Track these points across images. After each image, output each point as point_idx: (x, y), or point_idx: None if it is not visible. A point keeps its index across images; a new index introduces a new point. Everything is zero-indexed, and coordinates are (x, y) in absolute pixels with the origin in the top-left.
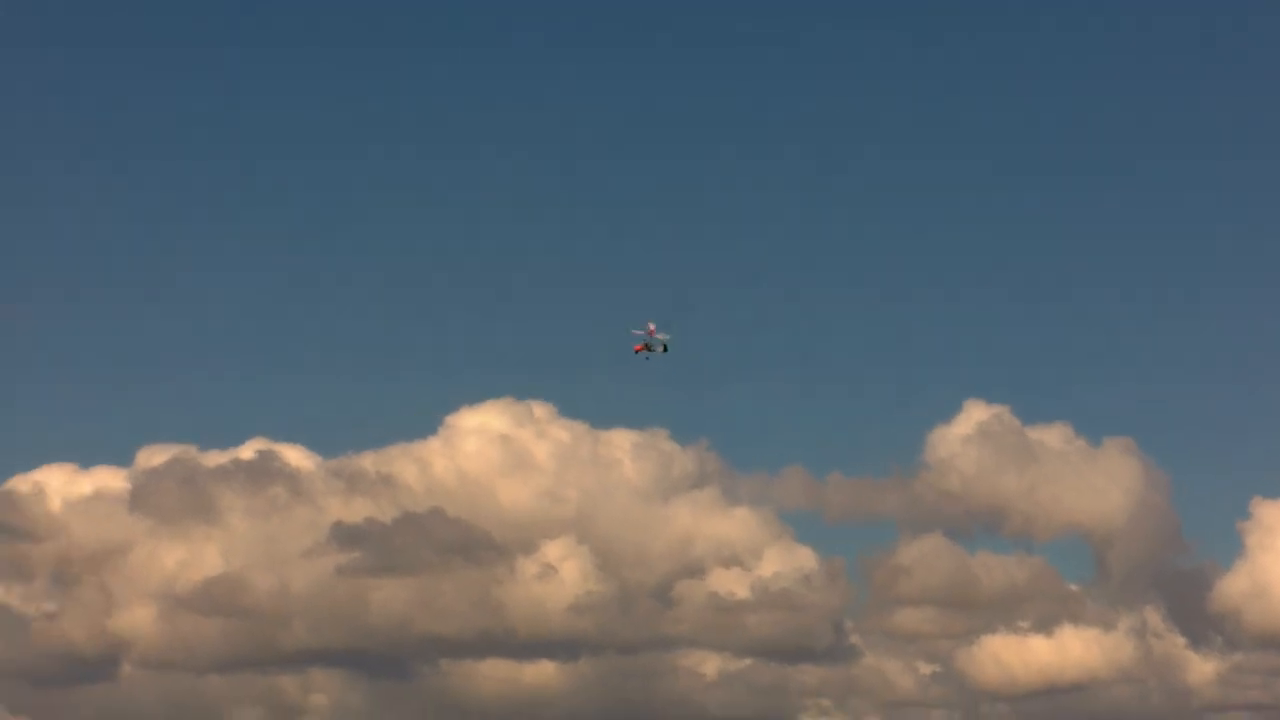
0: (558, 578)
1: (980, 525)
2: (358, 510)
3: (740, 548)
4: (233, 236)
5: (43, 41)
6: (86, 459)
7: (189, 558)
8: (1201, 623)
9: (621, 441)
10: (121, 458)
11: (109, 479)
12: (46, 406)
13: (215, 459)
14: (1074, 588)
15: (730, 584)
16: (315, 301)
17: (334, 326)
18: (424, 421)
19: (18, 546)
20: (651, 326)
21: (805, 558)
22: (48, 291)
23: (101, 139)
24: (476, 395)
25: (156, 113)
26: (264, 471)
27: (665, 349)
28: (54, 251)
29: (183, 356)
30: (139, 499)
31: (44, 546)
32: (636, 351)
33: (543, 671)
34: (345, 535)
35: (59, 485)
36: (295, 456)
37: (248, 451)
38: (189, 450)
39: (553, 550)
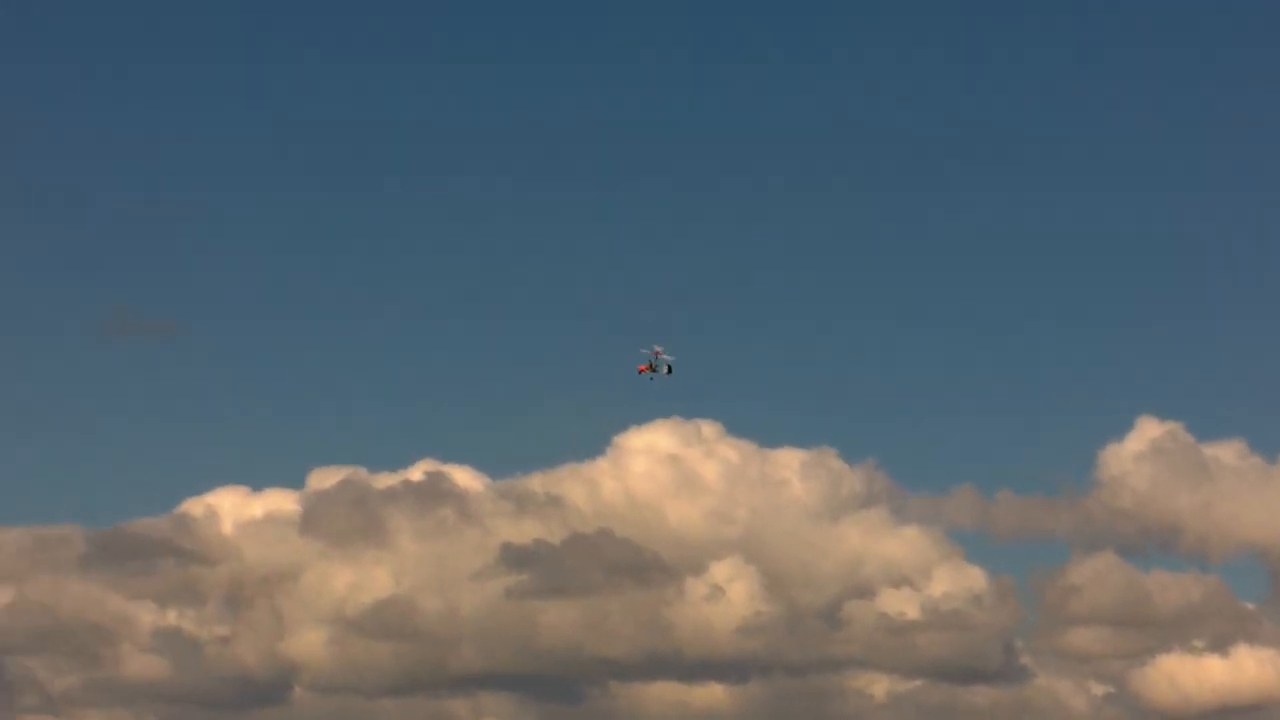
0: (726, 599)
1: (1153, 543)
2: (526, 532)
3: (909, 568)
4: (400, 258)
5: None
6: (258, 482)
7: (359, 580)
8: None
9: (790, 461)
10: (293, 480)
11: (280, 501)
12: (219, 430)
13: (385, 480)
14: (1250, 606)
15: (899, 604)
16: (484, 322)
17: (502, 347)
18: (592, 442)
19: (191, 570)
20: (658, 349)
21: (975, 577)
22: (218, 316)
23: (264, 161)
24: (644, 415)
25: (314, 135)
26: (433, 493)
27: (669, 370)
28: (222, 276)
29: (353, 379)
30: (310, 521)
31: (216, 570)
32: (641, 372)
33: (711, 694)
34: (514, 557)
35: (231, 508)
36: (464, 478)
37: (417, 473)
38: (359, 472)
39: (721, 571)
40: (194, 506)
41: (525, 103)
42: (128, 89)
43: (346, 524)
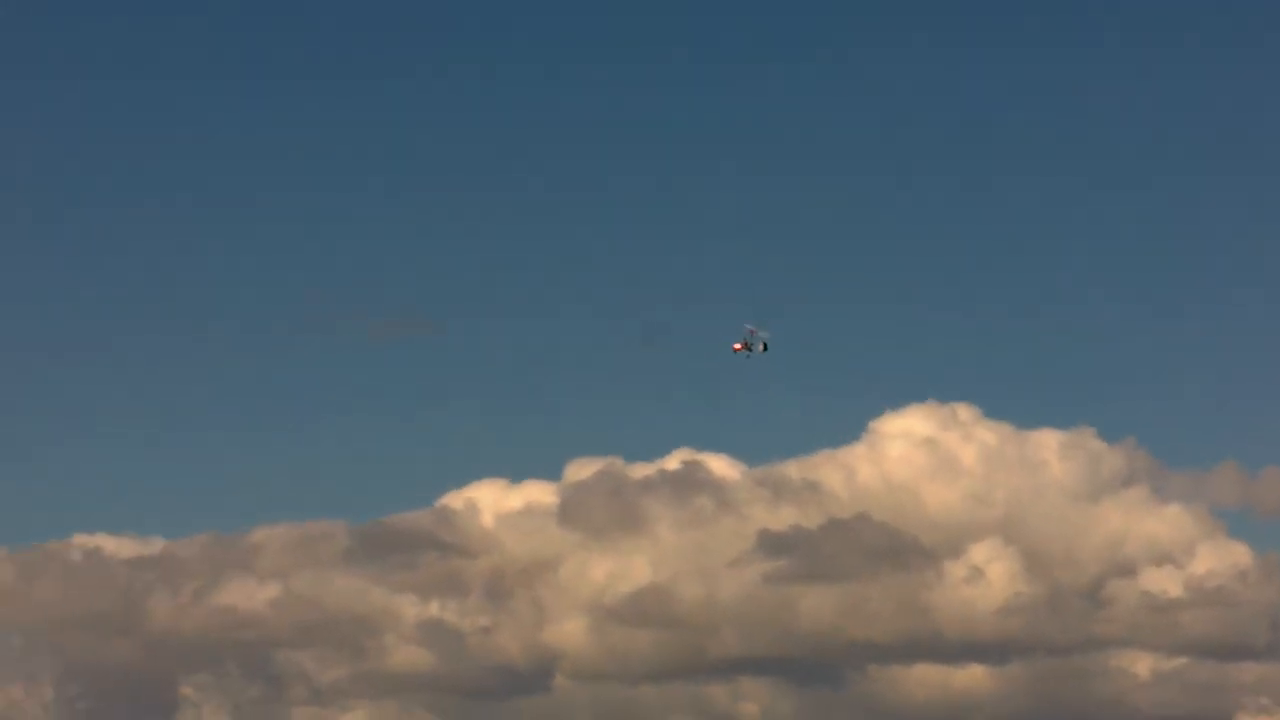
0: (986, 580)
1: None
2: (784, 518)
3: (1172, 545)
4: (642, 250)
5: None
6: (517, 474)
7: (618, 569)
8: None
9: (1048, 441)
10: (550, 472)
11: (539, 493)
12: (477, 424)
13: (641, 470)
14: None
15: (1162, 582)
16: (736, 307)
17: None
18: (848, 427)
19: (452, 562)
20: (751, 328)
21: (1239, 554)
22: (473, 313)
23: (505, 158)
24: (900, 399)
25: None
26: (690, 482)
27: (765, 347)
28: (476, 273)
29: (606, 370)
30: (568, 512)
31: (477, 562)
32: (736, 350)
33: (972, 675)
34: (772, 543)
35: (490, 501)
36: (720, 466)
37: (673, 462)
38: (616, 463)
39: (980, 553)
40: (454, 500)
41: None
42: (371, 98)
43: (604, 514)
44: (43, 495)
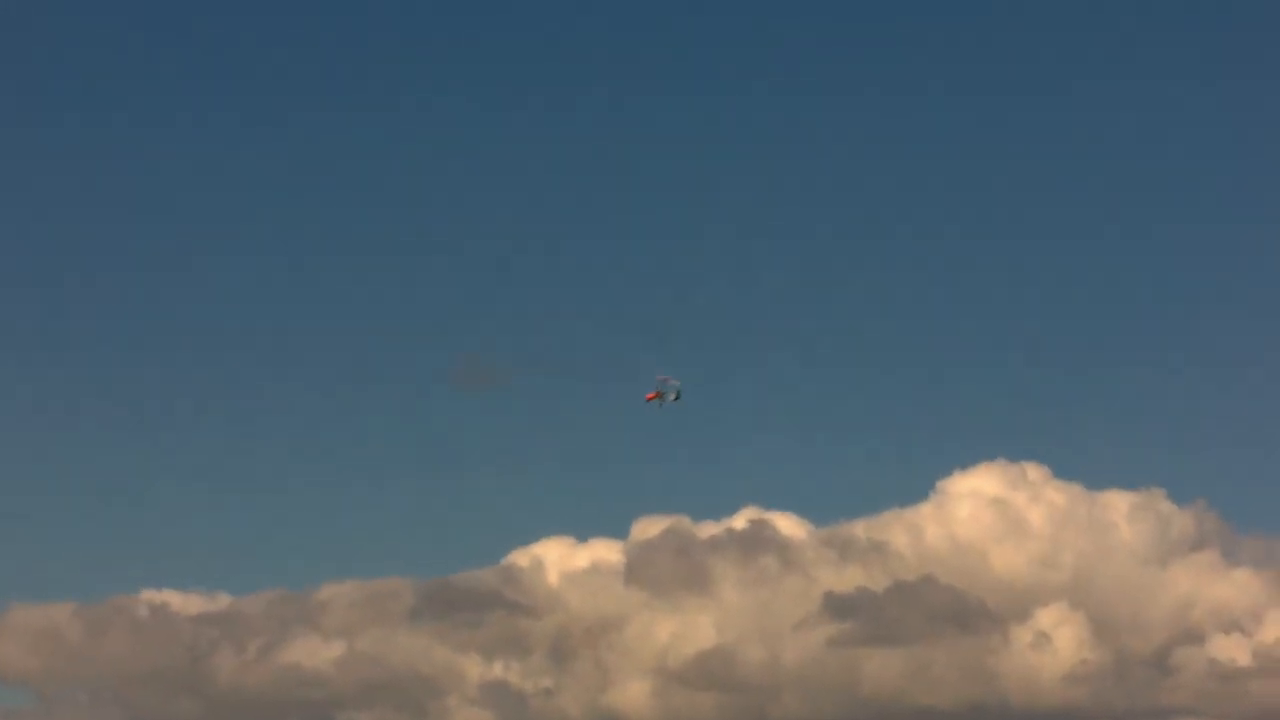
0: (1052, 646)
1: None
2: (849, 579)
3: (1241, 612)
4: (712, 309)
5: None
6: (583, 532)
7: (682, 630)
8: None
9: (1118, 503)
10: (617, 530)
11: (605, 551)
12: (545, 481)
13: (708, 529)
14: None
15: (1231, 650)
16: (806, 369)
17: (823, 393)
18: (916, 487)
19: (518, 621)
20: (664, 377)
21: None
22: (540, 370)
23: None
24: (969, 459)
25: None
26: (756, 541)
27: (678, 396)
28: (544, 328)
29: (674, 428)
30: (634, 571)
31: (542, 621)
32: (649, 400)
33: None
34: (837, 605)
35: (557, 559)
36: (787, 525)
37: (740, 521)
38: (683, 521)
39: (1047, 617)
40: (520, 557)
41: None
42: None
43: (670, 573)
44: (111, 551)
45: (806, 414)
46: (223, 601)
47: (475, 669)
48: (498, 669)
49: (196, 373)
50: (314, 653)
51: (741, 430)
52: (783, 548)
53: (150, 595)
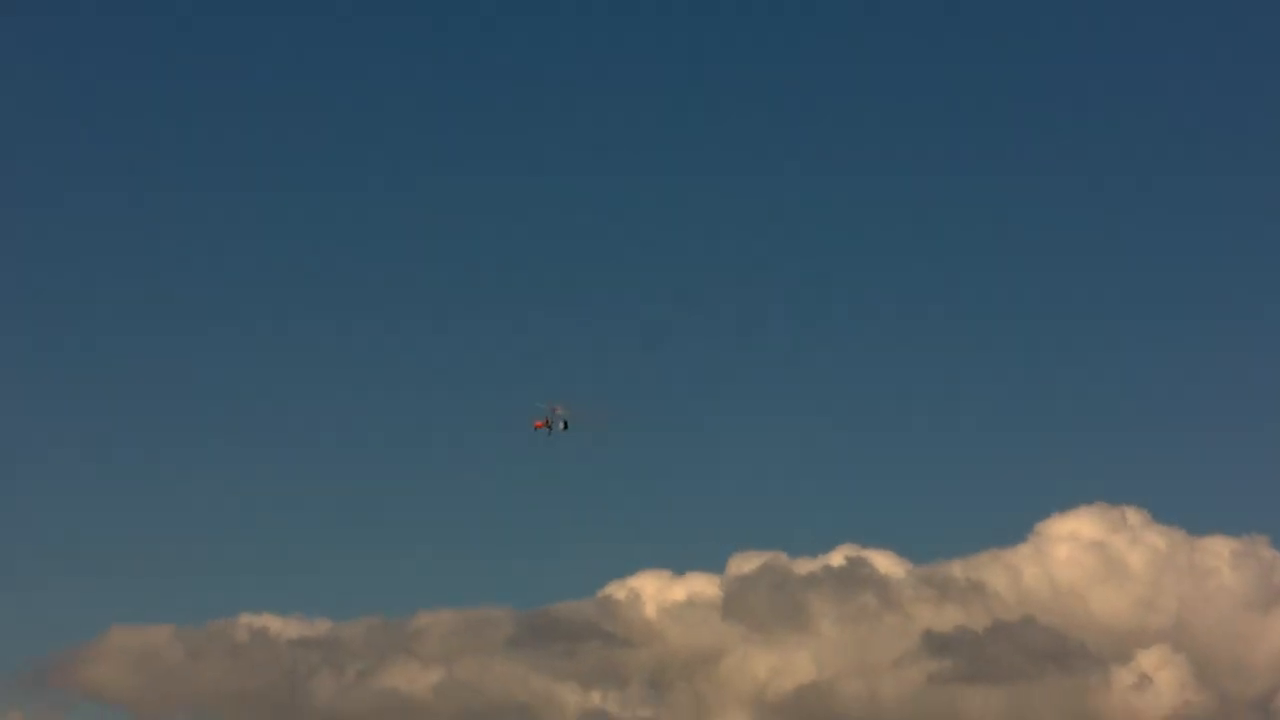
0: (1154, 688)
1: None
2: (948, 618)
3: None
4: (811, 353)
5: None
6: (680, 566)
7: (780, 664)
8: None
9: (1219, 549)
10: (713, 564)
11: (702, 585)
12: (641, 515)
13: (805, 566)
14: None
15: None
16: (904, 409)
17: (921, 433)
18: (1015, 528)
19: (615, 652)
20: (554, 405)
21: None
22: (639, 408)
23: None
24: (1068, 501)
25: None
26: (853, 579)
27: (566, 426)
28: (645, 368)
29: (773, 465)
30: (731, 605)
31: (639, 652)
32: (537, 428)
33: None
34: (937, 643)
35: (654, 591)
36: (885, 563)
37: (837, 558)
38: (779, 557)
39: (1148, 659)
40: (617, 590)
41: None
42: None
43: (767, 609)
44: (212, 575)
45: (905, 453)
46: (321, 627)
47: (573, 698)
48: (595, 698)
49: (304, 404)
50: (412, 679)
51: (838, 468)
52: (881, 585)
53: (249, 619)
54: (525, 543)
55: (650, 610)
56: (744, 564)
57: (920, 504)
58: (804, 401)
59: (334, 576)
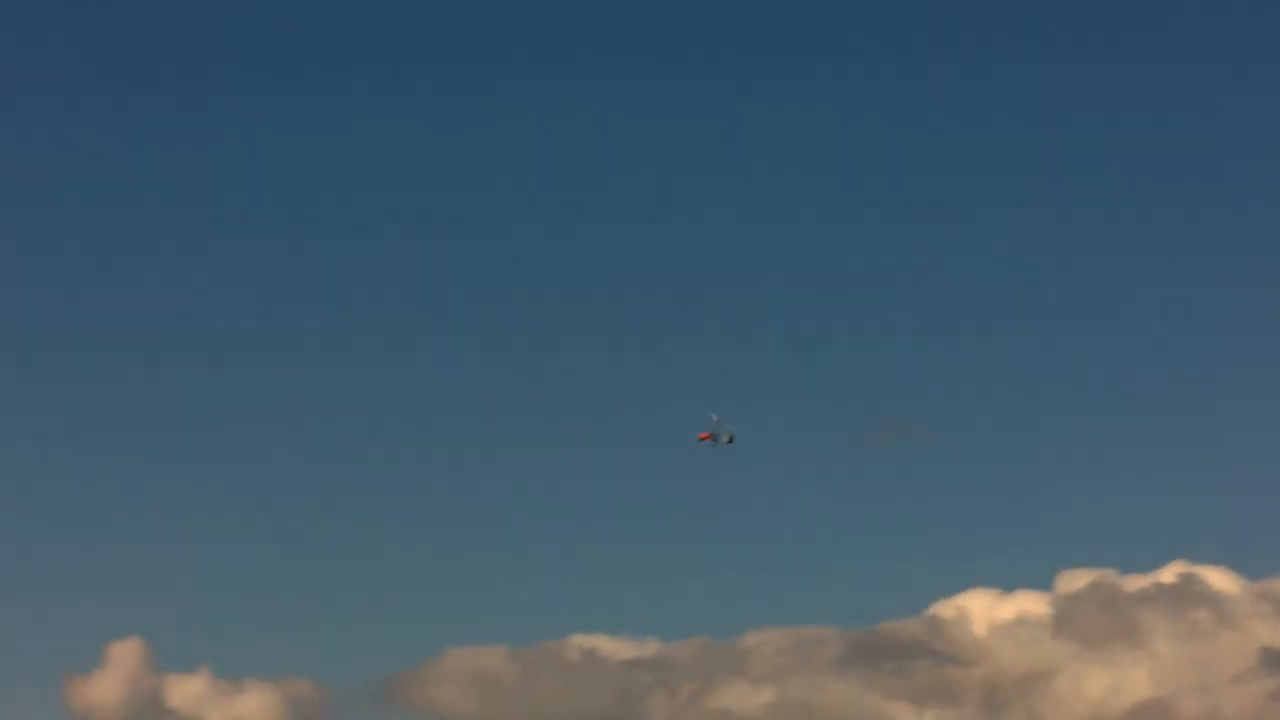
0: None
1: None
2: None
3: None
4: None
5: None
6: (1007, 584)
7: (1117, 682)
8: None
9: None
10: (1040, 582)
11: (1030, 603)
12: (968, 532)
13: (1136, 582)
14: None
15: None
16: (1238, 426)
17: (1258, 439)
18: None
19: (946, 671)
20: (716, 418)
21: None
22: (966, 421)
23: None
24: None
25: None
26: (1186, 595)
27: (731, 439)
28: (967, 382)
29: (1099, 480)
30: (1063, 623)
31: (970, 671)
32: (702, 440)
33: None
34: (1274, 660)
35: (981, 610)
36: (1219, 579)
37: (1169, 574)
38: (1109, 574)
39: None
40: (944, 608)
41: None
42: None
43: (1100, 626)
44: (544, 596)
45: (1236, 469)
46: (650, 647)
47: (907, 717)
48: (929, 717)
49: (628, 425)
50: (744, 698)
51: (1168, 480)
52: (1215, 601)
53: (580, 640)
54: (850, 561)
55: (979, 628)
56: (1073, 581)
57: (1253, 520)
58: (1132, 418)
59: (663, 597)
